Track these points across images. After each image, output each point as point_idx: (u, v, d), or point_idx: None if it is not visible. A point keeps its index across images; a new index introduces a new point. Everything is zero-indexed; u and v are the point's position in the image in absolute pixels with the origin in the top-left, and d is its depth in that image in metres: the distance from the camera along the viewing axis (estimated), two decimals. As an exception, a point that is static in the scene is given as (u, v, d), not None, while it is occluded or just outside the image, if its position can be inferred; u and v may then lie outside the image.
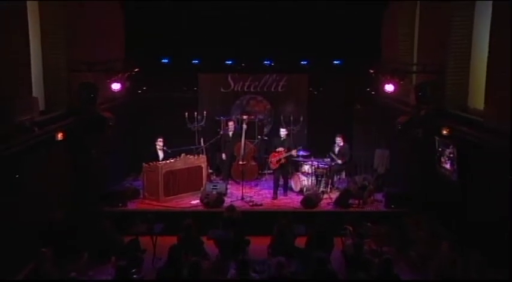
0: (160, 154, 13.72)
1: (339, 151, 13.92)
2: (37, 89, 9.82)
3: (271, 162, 13.69)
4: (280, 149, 13.44)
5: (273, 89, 15.83)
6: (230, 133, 14.41)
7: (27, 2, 9.13)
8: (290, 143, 13.63)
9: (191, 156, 13.70)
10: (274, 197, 13.49)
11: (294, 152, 13.39)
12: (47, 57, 10.53)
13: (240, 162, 14.04)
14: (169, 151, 13.63)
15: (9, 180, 7.86)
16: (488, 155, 8.59)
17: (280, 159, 13.39)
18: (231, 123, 14.55)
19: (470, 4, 10.11)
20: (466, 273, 8.53)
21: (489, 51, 8.79)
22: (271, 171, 14.63)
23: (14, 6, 8.62)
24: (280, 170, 13.61)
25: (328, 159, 13.76)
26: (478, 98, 9.71)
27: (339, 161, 13.76)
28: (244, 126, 14.46)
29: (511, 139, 7.00)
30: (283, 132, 13.79)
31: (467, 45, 10.24)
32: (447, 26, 10.36)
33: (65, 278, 8.34)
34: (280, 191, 13.63)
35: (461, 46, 10.30)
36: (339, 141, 13.92)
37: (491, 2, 8.82)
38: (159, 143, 13.72)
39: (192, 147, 14.08)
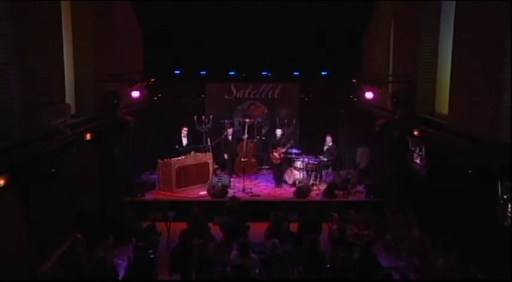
0: (184, 140, 13.79)
1: (327, 149, 13.98)
2: (69, 96, 9.80)
3: (273, 158, 13.80)
4: (279, 148, 13.68)
5: (269, 96, 15.84)
6: (230, 137, 14.45)
7: (63, 24, 9.20)
8: (285, 141, 13.78)
9: (199, 154, 13.72)
10: (276, 186, 13.66)
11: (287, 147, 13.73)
12: (78, 69, 10.53)
13: (242, 159, 14.07)
14: (180, 149, 13.63)
15: (46, 174, 7.79)
16: (451, 153, 8.57)
17: (280, 154, 13.58)
18: (230, 130, 14.59)
19: (435, 25, 10.12)
20: (433, 252, 8.60)
21: (452, 65, 8.84)
22: (268, 166, 14.80)
23: (52, 28, 8.68)
24: (279, 165, 13.76)
25: (319, 157, 13.85)
26: (443, 104, 9.68)
27: (325, 159, 13.79)
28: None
29: (511, 148, 6.70)
30: (278, 132, 13.98)
31: (433, 59, 10.21)
32: (417, 44, 10.34)
33: (94, 257, 8.42)
34: (278, 183, 13.76)
35: (428, 60, 10.27)
36: (329, 140, 14.00)
37: (452, 23, 8.91)
38: (184, 131, 13.82)
39: (200, 146, 14.03)
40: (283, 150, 13.65)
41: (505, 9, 6.84)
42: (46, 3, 8.41)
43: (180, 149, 13.64)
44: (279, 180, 13.81)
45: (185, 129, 13.90)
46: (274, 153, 13.73)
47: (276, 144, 13.83)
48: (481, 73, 7.63)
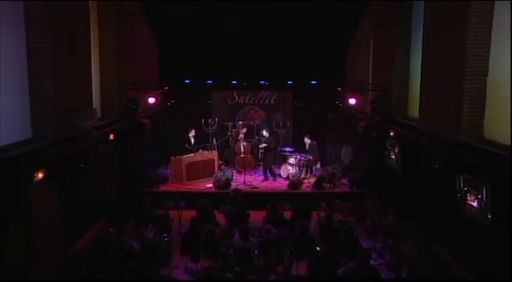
0: (192, 140, 13.85)
1: (309, 148, 13.87)
2: (96, 102, 9.86)
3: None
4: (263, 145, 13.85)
5: (267, 102, 15.99)
6: (242, 136, 14.65)
7: (91, 43, 9.29)
8: (270, 140, 13.88)
9: (206, 152, 13.79)
10: (264, 178, 13.69)
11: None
12: (103, 79, 10.60)
13: (242, 155, 14.21)
14: (189, 148, 13.69)
15: (77, 169, 7.84)
16: (421, 150, 8.60)
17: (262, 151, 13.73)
18: (242, 130, 14.80)
19: (407, 42, 10.20)
20: (404, 235, 8.69)
21: (421, 76, 8.88)
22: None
23: (82, 43, 8.79)
24: (263, 160, 13.92)
25: (308, 155, 13.93)
26: (414, 109, 9.69)
27: (310, 157, 13.77)
28: (244, 129, 14.74)
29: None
30: (265, 132, 14.08)
31: (406, 71, 10.28)
32: (392, 57, 10.43)
33: (117, 241, 8.48)
34: (271, 177, 13.76)
35: (402, 72, 10.35)
36: (307, 140, 13.95)
37: (421, 41, 9.01)
38: (192, 132, 13.89)
39: (207, 145, 14.14)
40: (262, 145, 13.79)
41: (464, 29, 7.04)
42: (79, 26, 8.55)
43: (190, 148, 13.73)
44: (265, 174, 13.77)
45: (192, 130, 13.98)
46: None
47: (263, 142, 13.92)
48: (446, 83, 7.70)
